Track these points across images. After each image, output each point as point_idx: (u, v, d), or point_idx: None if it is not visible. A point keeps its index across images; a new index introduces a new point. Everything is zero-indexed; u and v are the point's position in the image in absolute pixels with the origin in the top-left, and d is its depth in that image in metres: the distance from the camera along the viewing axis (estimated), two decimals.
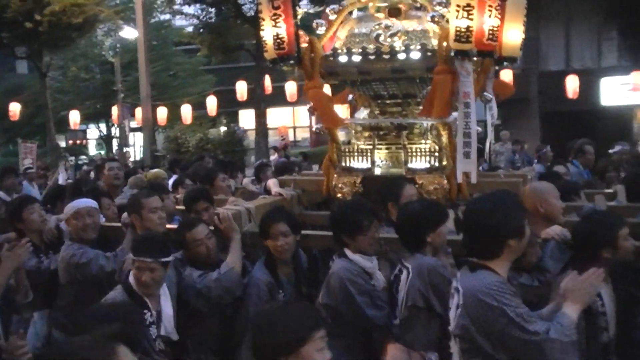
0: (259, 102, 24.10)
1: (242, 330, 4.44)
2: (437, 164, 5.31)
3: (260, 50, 23.37)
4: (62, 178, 11.41)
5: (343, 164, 5.55)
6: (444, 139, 5.31)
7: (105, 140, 33.31)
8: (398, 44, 5.16)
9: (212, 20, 25.07)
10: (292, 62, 5.22)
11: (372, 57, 5.15)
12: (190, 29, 27.91)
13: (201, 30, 25.78)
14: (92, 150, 36.29)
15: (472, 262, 3.17)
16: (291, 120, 33.58)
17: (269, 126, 25.81)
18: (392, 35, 5.21)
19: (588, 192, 6.12)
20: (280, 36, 5.08)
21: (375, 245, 4.37)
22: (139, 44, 20.05)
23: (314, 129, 6.05)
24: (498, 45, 4.88)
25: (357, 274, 4.23)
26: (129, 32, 23.33)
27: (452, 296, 3.24)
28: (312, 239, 4.89)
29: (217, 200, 5.73)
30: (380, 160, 5.46)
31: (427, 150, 5.34)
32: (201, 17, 25.09)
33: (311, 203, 5.97)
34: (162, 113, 23.41)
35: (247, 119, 29.88)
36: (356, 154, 5.51)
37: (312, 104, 5.50)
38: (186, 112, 22.99)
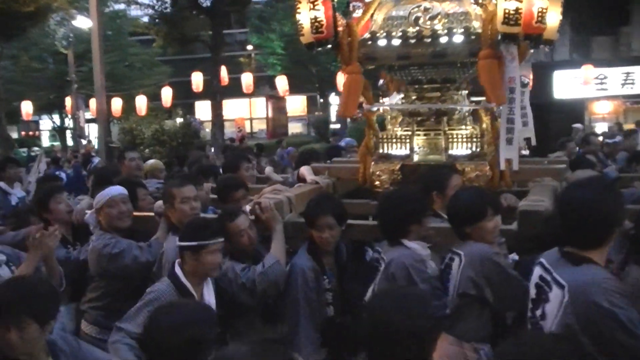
0: (215, 93, 23.76)
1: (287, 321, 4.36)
2: (478, 151, 5.17)
3: (216, 41, 23.35)
4: (41, 169, 11.03)
5: (380, 151, 5.38)
6: (486, 124, 5.19)
7: (58, 132, 32.51)
8: (438, 27, 4.98)
9: (168, 10, 24.73)
10: (329, 46, 5.04)
11: (412, 41, 4.98)
12: (145, 19, 27.52)
13: (157, 20, 25.46)
14: (46, 141, 35.58)
15: (573, 253, 2.98)
16: (248, 112, 33.42)
17: (225, 118, 25.55)
18: (432, 18, 5.03)
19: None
20: (318, 19, 4.88)
21: (429, 234, 4.23)
22: (93, 34, 19.43)
23: (355, 115, 5.62)
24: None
25: (419, 260, 4.05)
26: (83, 22, 22.65)
27: (545, 289, 3.04)
28: (355, 229, 4.61)
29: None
30: (419, 147, 5.29)
31: (469, 136, 5.20)
32: (156, 7, 24.73)
33: (344, 191, 5.76)
34: (117, 104, 22.93)
35: (203, 110, 29.56)
36: (394, 140, 5.35)
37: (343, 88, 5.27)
38: (141, 103, 22.51)
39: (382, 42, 5.05)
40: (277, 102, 32.53)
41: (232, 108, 30.56)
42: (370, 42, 5.10)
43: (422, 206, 4.20)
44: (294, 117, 33.99)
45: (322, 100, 29.79)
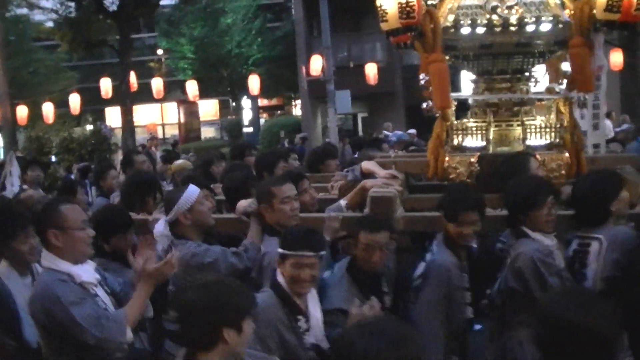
0: (125, 99, 23.04)
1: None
2: (557, 140, 5.00)
3: (124, 45, 22.61)
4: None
5: (455, 143, 5.08)
6: (565, 114, 5.02)
7: None
8: (525, 15, 4.76)
9: (72, 15, 23.78)
10: (414, 33, 4.69)
11: (498, 29, 4.75)
12: (50, 24, 26.43)
13: (61, 25, 24.51)
14: None
15: None
16: (159, 117, 32.61)
17: (136, 124, 24.82)
18: (509, 7, 4.78)
19: None
20: (410, 4, 4.49)
21: (552, 222, 4.00)
22: None
23: (424, 106, 5.38)
24: None
25: (547, 254, 3.86)
26: None
27: None
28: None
29: None
30: (495, 138, 5.07)
31: (547, 126, 5.02)
32: (60, 11, 23.75)
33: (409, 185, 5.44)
34: (22, 112, 21.69)
35: (114, 116, 28.58)
36: (469, 132, 5.08)
37: (427, 78, 4.96)
38: (48, 110, 21.31)
39: (465, 30, 4.79)
40: (189, 107, 31.74)
41: (144, 113, 29.64)
42: (452, 30, 4.82)
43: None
44: (206, 122, 33.22)
45: (234, 103, 29.23)
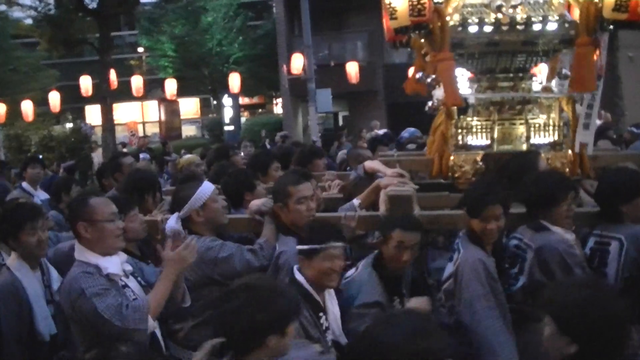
0: (105, 97, 22.75)
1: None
2: (561, 139, 5.02)
3: (104, 43, 22.27)
4: None
5: (460, 142, 5.04)
6: (568, 112, 5.03)
7: None
8: (531, 14, 4.75)
9: (52, 12, 23.40)
10: (423, 31, 4.66)
11: (505, 28, 4.73)
12: (29, 21, 26.02)
13: (41, 22, 24.14)
14: None
15: None
16: (140, 115, 32.29)
17: (117, 122, 24.45)
18: (514, 7, 4.78)
19: None
20: (421, 1, 4.46)
21: (571, 218, 4.00)
22: None
23: (427, 107, 5.40)
24: None
25: (570, 245, 3.84)
26: None
27: None
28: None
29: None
30: (499, 137, 5.05)
31: (551, 125, 5.02)
32: (39, 8, 23.36)
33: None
34: (0, 110, 21.62)
35: (94, 114, 28.26)
36: (474, 130, 5.04)
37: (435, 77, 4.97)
38: (27, 108, 21.14)
39: (473, 29, 4.76)
40: (170, 105, 31.43)
41: (124, 112, 29.31)
42: (460, 28, 4.78)
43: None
44: (187, 120, 32.95)
45: (215, 102, 29.03)
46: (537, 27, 4.73)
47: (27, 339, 3.85)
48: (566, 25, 4.75)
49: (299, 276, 3.49)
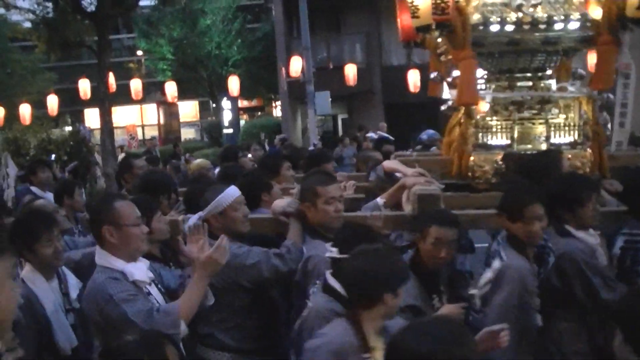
0: (103, 100, 22.57)
1: None
2: (581, 139, 4.98)
3: (102, 46, 22.11)
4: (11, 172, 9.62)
5: (480, 142, 5.01)
6: (587, 112, 4.99)
7: None
8: (552, 13, 4.74)
9: (50, 15, 23.25)
10: (445, 29, 4.63)
11: (526, 27, 4.72)
12: (27, 24, 25.85)
13: (39, 26, 23.97)
14: None
15: None
16: (139, 119, 32.13)
17: (116, 125, 24.32)
18: (534, 5, 4.76)
19: None
20: (444, 0, 4.41)
21: (595, 218, 3.95)
22: None
23: (443, 108, 5.37)
24: None
25: (591, 254, 3.83)
26: None
27: None
28: None
29: (283, 189, 5.06)
30: (519, 136, 5.02)
31: (571, 124, 5.00)
32: (37, 12, 23.21)
33: None
34: None
35: (93, 118, 28.13)
36: (494, 130, 5.01)
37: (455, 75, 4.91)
38: (25, 111, 20.94)
39: (494, 27, 4.74)
40: (169, 108, 31.28)
41: (123, 115, 29.18)
42: (482, 27, 4.77)
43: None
44: (186, 123, 32.78)
45: (214, 105, 28.90)
46: (558, 26, 4.71)
47: (47, 354, 3.67)
48: (587, 24, 4.71)
49: (332, 282, 3.35)
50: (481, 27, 4.76)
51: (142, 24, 28.16)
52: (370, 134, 17.46)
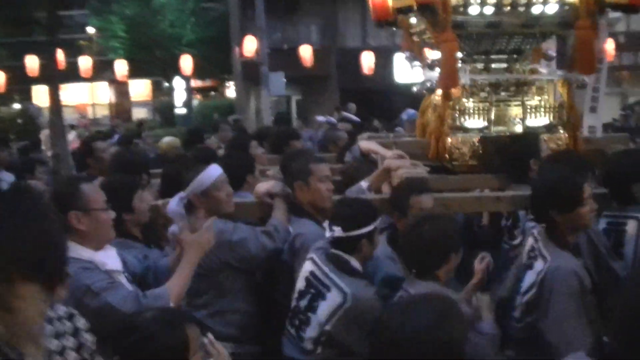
0: (53, 78, 22.00)
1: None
2: (556, 121, 4.99)
3: (52, 22, 21.47)
4: None
5: (457, 124, 4.96)
6: (563, 95, 5.01)
7: None
8: None
9: None
10: (428, 11, 4.59)
11: (506, 9, 4.69)
12: None
13: None
14: None
15: None
16: (89, 97, 31.42)
17: (65, 103, 23.71)
18: None
19: None
20: None
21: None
22: None
23: (418, 88, 5.33)
24: None
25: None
26: None
27: None
28: None
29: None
30: (495, 118, 4.98)
31: (547, 107, 4.98)
32: None
33: None
34: None
35: (41, 96, 27.45)
36: (471, 112, 4.96)
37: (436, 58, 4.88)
38: None
39: (474, 9, 4.69)
40: (120, 87, 30.47)
41: (73, 93, 28.47)
42: (462, 9, 4.70)
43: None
44: (138, 102, 31.91)
45: (167, 84, 28.41)
46: (537, 9, 4.68)
47: None
48: (566, 7, 4.70)
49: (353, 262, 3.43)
50: (461, 9, 4.70)
51: (94, 1, 27.38)
52: (328, 118, 17.11)
